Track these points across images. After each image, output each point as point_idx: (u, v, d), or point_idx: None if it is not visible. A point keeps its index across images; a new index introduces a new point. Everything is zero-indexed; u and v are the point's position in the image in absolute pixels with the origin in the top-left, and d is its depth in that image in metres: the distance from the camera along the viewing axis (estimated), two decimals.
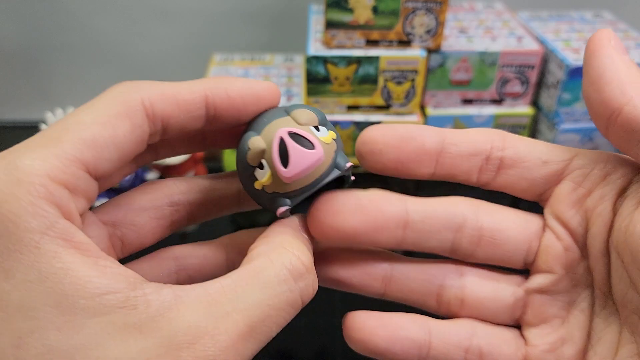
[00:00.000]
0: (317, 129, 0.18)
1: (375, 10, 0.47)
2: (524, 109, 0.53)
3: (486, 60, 0.51)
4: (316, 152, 0.18)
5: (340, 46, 0.49)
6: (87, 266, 0.15)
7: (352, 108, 0.52)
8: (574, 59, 0.50)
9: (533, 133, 0.55)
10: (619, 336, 0.19)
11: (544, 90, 0.53)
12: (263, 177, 0.18)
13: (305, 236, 0.19)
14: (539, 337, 0.21)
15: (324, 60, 0.48)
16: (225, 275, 0.16)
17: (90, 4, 0.59)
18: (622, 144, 0.18)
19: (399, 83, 0.50)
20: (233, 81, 0.19)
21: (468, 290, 0.22)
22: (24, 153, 0.15)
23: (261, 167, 0.18)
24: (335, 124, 0.52)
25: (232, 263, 0.23)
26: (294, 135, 0.18)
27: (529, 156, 0.20)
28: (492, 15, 0.58)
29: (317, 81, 0.50)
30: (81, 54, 0.63)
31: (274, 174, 0.18)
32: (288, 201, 0.18)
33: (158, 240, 0.22)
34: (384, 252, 0.22)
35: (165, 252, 0.22)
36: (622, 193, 0.19)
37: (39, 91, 0.65)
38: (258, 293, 0.16)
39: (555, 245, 0.21)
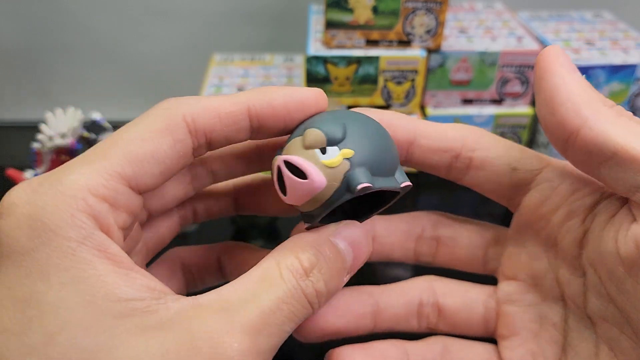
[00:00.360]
0: (324, 150, 0.17)
1: (375, 10, 0.47)
2: (524, 109, 0.53)
3: (486, 60, 0.51)
4: (308, 182, 0.17)
5: (340, 46, 0.49)
6: (117, 276, 0.16)
7: (352, 108, 0.52)
8: (574, 59, 0.50)
9: (533, 133, 0.55)
10: (596, 350, 0.19)
11: None
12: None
13: (335, 242, 0.19)
14: (509, 350, 0.21)
15: (324, 60, 0.48)
16: (236, 280, 0.17)
17: (90, 4, 0.59)
18: (582, 166, 0.18)
19: (399, 83, 0.50)
20: (276, 90, 0.19)
21: (441, 303, 0.23)
22: (73, 169, 0.16)
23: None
24: None
25: (224, 269, 0.25)
26: (289, 165, 0.18)
27: (498, 161, 0.21)
28: (492, 15, 0.58)
29: (317, 81, 0.50)
30: (81, 54, 0.63)
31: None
32: (310, 219, 0.19)
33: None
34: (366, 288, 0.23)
35: (172, 254, 0.24)
36: (591, 210, 0.19)
37: (38, 91, 0.65)
38: (267, 291, 0.17)
39: (518, 252, 0.21)
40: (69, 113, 0.43)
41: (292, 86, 0.19)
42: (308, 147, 0.17)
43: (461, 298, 0.23)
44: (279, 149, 0.19)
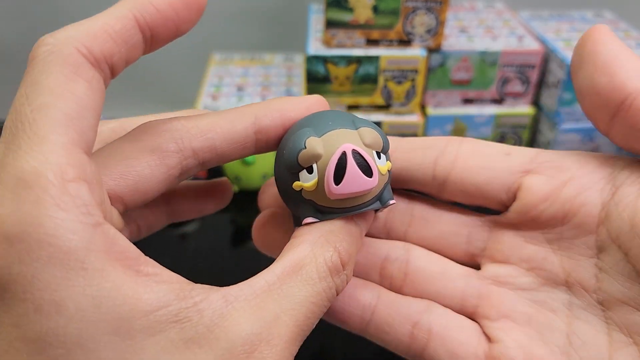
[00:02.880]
0: (379, 155, 0.17)
1: (375, 9, 0.47)
2: (524, 109, 0.53)
3: (487, 60, 0.50)
4: (372, 180, 0.16)
5: (340, 46, 0.49)
6: (132, 281, 0.14)
7: (352, 108, 0.52)
8: None
9: (534, 133, 0.55)
10: (608, 338, 0.18)
11: (544, 90, 0.53)
12: (308, 182, 0.17)
13: (359, 223, 0.18)
14: (503, 332, 0.19)
15: (324, 59, 0.48)
16: (270, 268, 0.16)
17: (90, 4, 0.59)
18: (632, 133, 0.17)
19: (399, 83, 0.50)
20: (281, 103, 0.18)
21: (413, 265, 0.21)
22: (22, 152, 0.14)
23: (310, 171, 0.17)
24: None
25: (173, 211, 0.22)
26: (357, 156, 0.16)
27: (489, 149, 0.20)
28: (492, 15, 0.57)
29: (317, 81, 0.49)
30: None
31: (321, 185, 0.17)
32: (319, 215, 0.17)
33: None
34: None
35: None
36: (609, 181, 0.18)
37: None
38: (302, 291, 0.16)
39: (511, 236, 0.20)
40: None
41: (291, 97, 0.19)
42: (369, 147, 0.17)
43: (438, 265, 0.21)
44: (297, 124, 0.18)
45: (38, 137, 0.14)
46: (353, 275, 0.21)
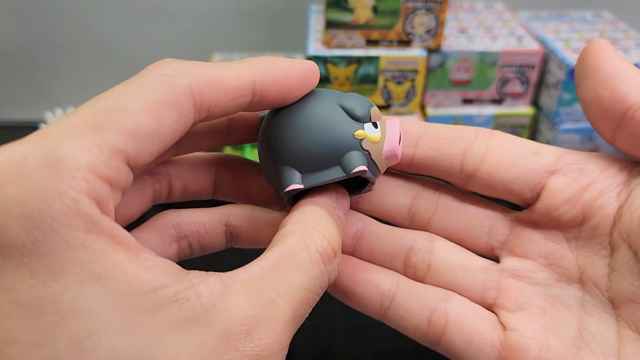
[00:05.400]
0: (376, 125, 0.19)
1: (375, 10, 0.47)
2: (524, 109, 0.53)
3: (486, 60, 0.51)
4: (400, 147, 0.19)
5: (340, 46, 0.49)
6: (133, 263, 0.14)
7: None
8: (574, 59, 0.49)
9: (533, 133, 0.55)
10: (617, 335, 0.18)
11: (544, 90, 0.53)
12: (373, 133, 0.19)
13: (339, 214, 0.19)
14: (519, 322, 0.20)
15: (324, 60, 0.48)
16: (263, 257, 0.16)
17: (90, 3, 0.59)
18: (636, 142, 0.18)
19: (399, 83, 0.50)
20: (279, 63, 0.18)
21: (436, 256, 0.21)
22: (62, 141, 0.14)
23: (375, 126, 0.19)
24: None
25: (232, 236, 0.22)
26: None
27: (518, 145, 0.20)
28: (492, 15, 0.58)
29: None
30: (80, 53, 0.63)
31: (382, 140, 0.19)
32: (375, 173, 0.19)
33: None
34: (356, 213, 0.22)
35: (163, 218, 0.21)
36: (625, 185, 0.18)
37: (38, 91, 0.65)
38: (297, 277, 0.16)
39: (531, 232, 0.20)
40: (69, 113, 0.43)
41: (287, 58, 0.19)
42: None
43: (460, 258, 0.21)
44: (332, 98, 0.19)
45: (97, 128, 0.14)
46: (376, 263, 0.22)
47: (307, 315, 0.17)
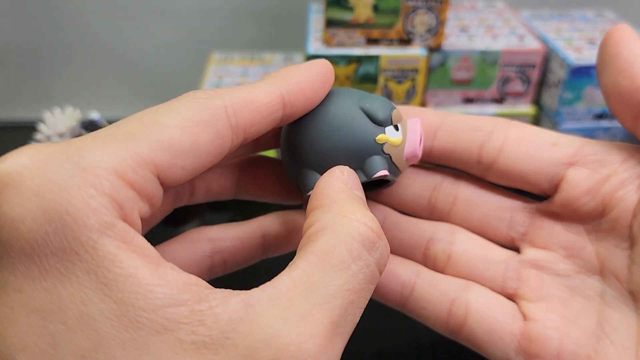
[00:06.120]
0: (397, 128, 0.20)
1: (375, 8, 0.47)
2: (525, 108, 0.53)
3: (487, 59, 0.50)
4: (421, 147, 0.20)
5: (340, 45, 0.49)
6: (148, 272, 0.13)
7: None
8: (576, 58, 0.49)
9: None
10: (638, 327, 0.18)
11: (545, 89, 0.53)
12: (394, 137, 0.19)
13: (360, 194, 0.17)
14: (540, 312, 0.20)
15: (324, 59, 0.48)
16: (292, 266, 0.14)
17: (89, 3, 0.59)
18: None
19: (399, 82, 0.50)
20: (298, 70, 0.18)
21: (457, 247, 0.21)
22: (96, 143, 0.14)
23: (397, 129, 0.19)
24: None
25: (270, 245, 0.21)
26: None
27: (536, 136, 0.20)
28: (493, 14, 0.57)
29: None
30: (79, 53, 0.62)
31: (403, 143, 0.19)
32: (395, 174, 0.20)
33: None
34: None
35: (199, 233, 0.21)
36: None
37: (38, 91, 0.65)
38: (334, 279, 0.14)
39: (552, 223, 0.20)
40: (67, 112, 0.43)
41: (300, 64, 0.18)
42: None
43: (481, 249, 0.21)
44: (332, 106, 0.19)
45: (129, 137, 0.14)
46: (396, 254, 0.21)
47: (357, 320, 0.14)
